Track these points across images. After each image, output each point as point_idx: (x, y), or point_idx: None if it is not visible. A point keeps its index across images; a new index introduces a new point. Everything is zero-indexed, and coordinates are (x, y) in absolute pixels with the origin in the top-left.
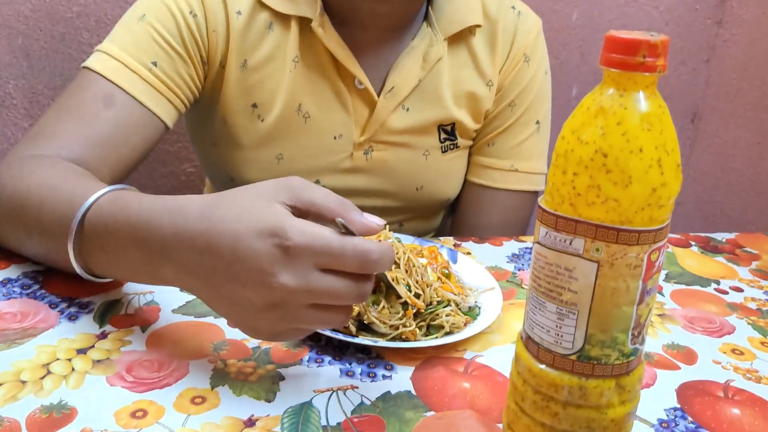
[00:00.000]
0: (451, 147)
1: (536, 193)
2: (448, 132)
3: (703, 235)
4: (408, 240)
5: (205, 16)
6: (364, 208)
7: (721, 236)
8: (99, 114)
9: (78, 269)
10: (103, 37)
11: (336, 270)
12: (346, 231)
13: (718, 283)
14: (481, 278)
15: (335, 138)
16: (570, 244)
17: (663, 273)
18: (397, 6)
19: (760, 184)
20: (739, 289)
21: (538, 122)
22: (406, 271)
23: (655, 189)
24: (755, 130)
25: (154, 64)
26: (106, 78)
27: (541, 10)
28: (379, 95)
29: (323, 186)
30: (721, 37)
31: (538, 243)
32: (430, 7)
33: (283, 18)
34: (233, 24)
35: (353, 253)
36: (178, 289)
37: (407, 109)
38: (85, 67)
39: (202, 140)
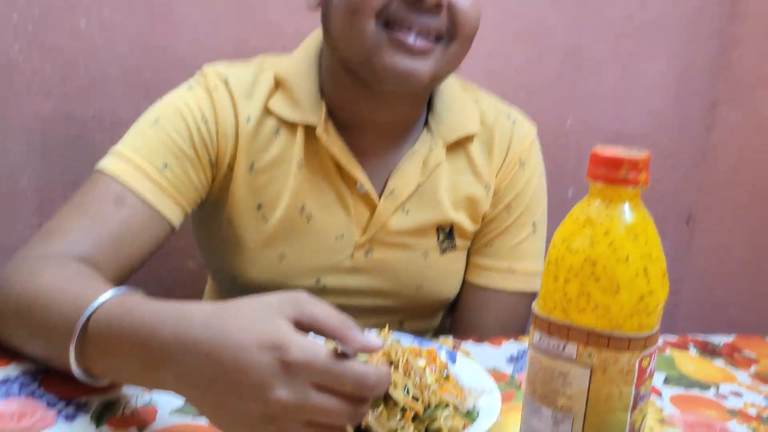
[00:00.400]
0: (450, 248)
1: (533, 294)
2: (447, 233)
3: (701, 337)
4: (407, 340)
5: (216, 122)
6: (365, 308)
7: (719, 339)
8: (109, 214)
9: (77, 372)
10: (116, 139)
11: (333, 389)
12: (343, 353)
13: (717, 387)
14: (480, 380)
15: (336, 239)
16: (563, 349)
17: (662, 376)
18: (398, 115)
19: (757, 285)
20: (739, 394)
21: (534, 224)
22: (405, 373)
23: (643, 296)
24: (749, 233)
25: (165, 166)
26: (118, 179)
27: (537, 115)
28: (380, 197)
29: (324, 285)
30: (711, 142)
31: (533, 347)
32: (430, 115)
33: (290, 124)
34: (242, 129)
35: (351, 376)
36: None
37: (407, 212)
38: (97, 170)
39: (206, 238)
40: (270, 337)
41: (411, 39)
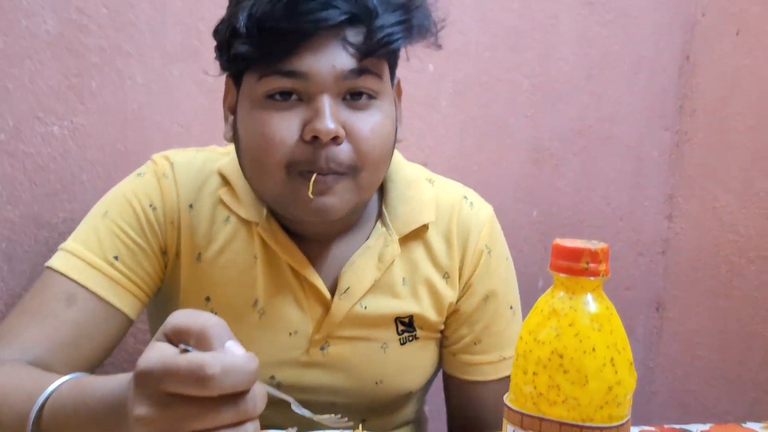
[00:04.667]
0: (410, 339)
1: None
2: (406, 324)
3: (677, 427)
4: None
5: (163, 208)
6: (323, 404)
7: (696, 428)
8: (60, 314)
9: None
10: None
11: (187, 392)
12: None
13: None
14: None
15: (290, 334)
16: None
17: None
18: (338, 223)
19: (728, 371)
20: None
21: (512, 307)
22: None
23: (611, 387)
24: (716, 318)
25: (116, 258)
26: (68, 277)
27: (502, 209)
28: (333, 294)
29: (279, 381)
30: (672, 230)
31: None
32: (383, 205)
33: (241, 218)
34: (185, 216)
35: (187, 368)
36: None
37: (365, 308)
38: (48, 267)
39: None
40: (137, 361)
41: (318, 178)
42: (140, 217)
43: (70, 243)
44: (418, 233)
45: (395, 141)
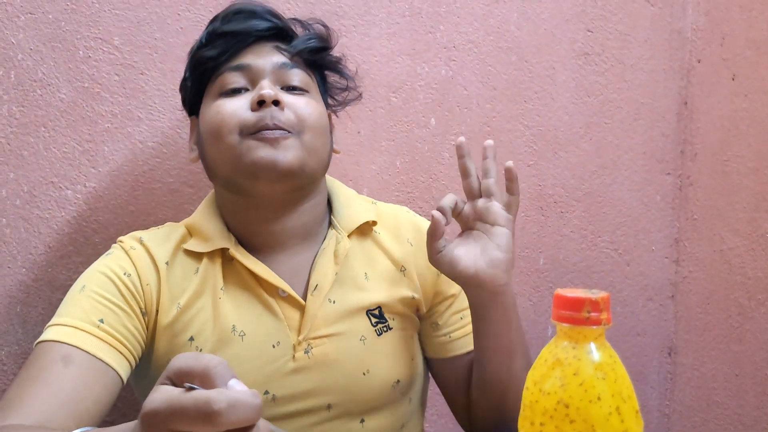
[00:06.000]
0: (384, 329)
1: None
2: (377, 315)
3: None
4: None
5: (138, 274)
6: (320, 408)
7: None
8: (60, 374)
9: None
10: None
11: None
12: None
13: None
14: None
15: (273, 346)
16: None
17: None
18: (292, 221)
19: (745, 416)
20: None
21: None
22: None
23: None
24: (730, 362)
25: (101, 321)
26: (61, 342)
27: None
28: (305, 297)
29: (274, 395)
30: (680, 274)
31: None
32: (332, 215)
33: (207, 258)
34: (163, 272)
35: (193, 405)
36: None
37: (333, 302)
38: (38, 342)
39: (148, 386)
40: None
41: (267, 133)
42: (117, 283)
43: (55, 320)
44: (366, 232)
45: (331, 134)
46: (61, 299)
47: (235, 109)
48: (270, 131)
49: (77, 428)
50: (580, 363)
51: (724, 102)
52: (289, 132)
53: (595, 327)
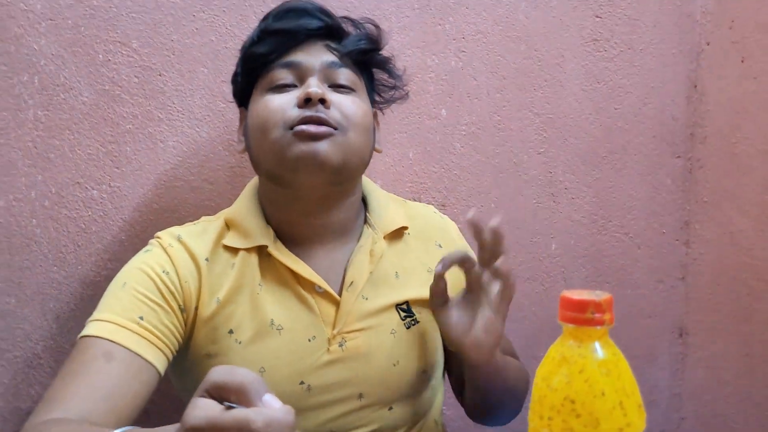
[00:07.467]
0: (413, 323)
1: None
2: (405, 310)
3: None
4: None
5: (176, 272)
6: (352, 397)
7: None
8: (101, 370)
9: None
10: None
11: None
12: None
13: None
14: None
15: (309, 340)
16: None
17: None
18: (331, 216)
19: (756, 394)
20: None
21: None
22: None
23: (622, 429)
24: (741, 342)
25: (141, 318)
26: (103, 338)
27: (522, 243)
28: (340, 292)
29: (309, 385)
30: (690, 256)
31: None
32: (368, 214)
33: (245, 253)
34: (203, 269)
35: (234, 423)
36: None
37: (366, 298)
38: (81, 337)
39: (190, 384)
40: (183, 417)
41: (310, 128)
42: (156, 281)
43: (96, 314)
44: (399, 235)
45: (374, 133)
46: (91, 294)
47: (282, 104)
48: (315, 126)
49: (117, 421)
50: (585, 361)
51: (734, 85)
52: (334, 129)
53: (598, 327)
